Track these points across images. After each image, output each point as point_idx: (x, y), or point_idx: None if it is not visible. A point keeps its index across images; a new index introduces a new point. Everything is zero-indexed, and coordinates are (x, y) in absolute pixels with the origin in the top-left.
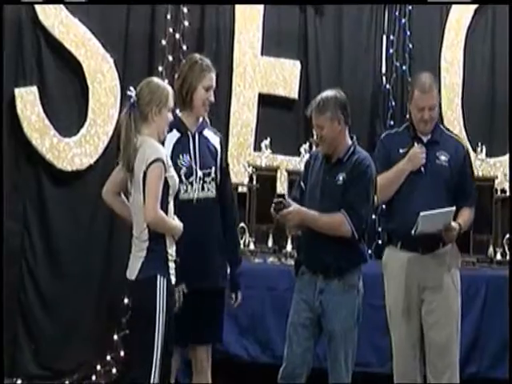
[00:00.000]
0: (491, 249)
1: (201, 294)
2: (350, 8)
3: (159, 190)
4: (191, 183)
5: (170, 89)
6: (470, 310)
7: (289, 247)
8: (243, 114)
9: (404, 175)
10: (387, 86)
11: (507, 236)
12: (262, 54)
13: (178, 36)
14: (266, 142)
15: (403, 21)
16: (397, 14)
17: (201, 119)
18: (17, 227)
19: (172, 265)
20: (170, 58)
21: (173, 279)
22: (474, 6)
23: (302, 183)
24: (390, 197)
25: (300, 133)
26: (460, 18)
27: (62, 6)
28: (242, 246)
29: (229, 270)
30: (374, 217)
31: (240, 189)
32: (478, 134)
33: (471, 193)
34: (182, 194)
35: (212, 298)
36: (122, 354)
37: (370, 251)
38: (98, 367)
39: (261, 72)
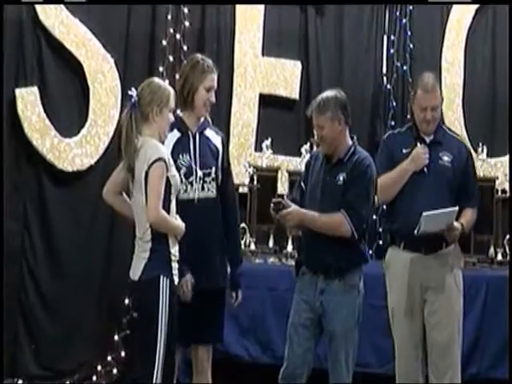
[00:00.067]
0: (492, 249)
1: (201, 294)
2: (350, 8)
3: (161, 189)
4: (191, 183)
5: (171, 89)
6: (471, 310)
7: (289, 248)
8: (244, 115)
9: (407, 175)
10: (388, 86)
11: (508, 236)
12: (262, 54)
13: (178, 36)
14: (267, 142)
15: (404, 21)
16: (397, 14)
17: (202, 119)
18: (17, 227)
19: (175, 265)
20: (171, 58)
21: (176, 279)
22: (475, 6)
23: (302, 183)
24: (393, 197)
25: (301, 133)
26: (461, 18)
27: (62, 6)
28: (242, 246)
29: (229, 270)
30: (374, 217)
31: (241, 189)
32: (478, 134)
33: (474, 193)
34: (182, 193)
35: (213, 298)
36: (122, 354)
37: (370, 251)
38: (99, 367)
39: (262, 72)
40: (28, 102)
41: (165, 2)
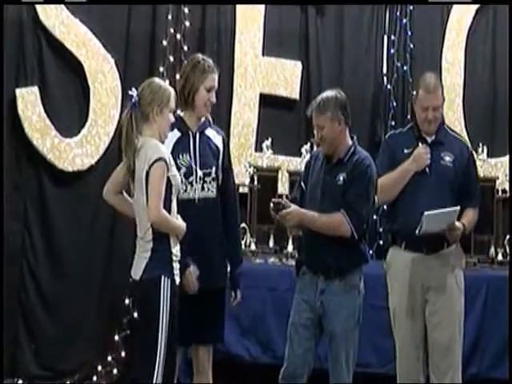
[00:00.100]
0: (492, 249)
1: (202, 293)
2: (351, 8)
3: (162, 189)
4: (191, 183)
5: (171, 89)
6: (471, 310)
7: (290, 248)
8: (244, 115)
9: (409, 175)
10: (388, 87)
11: (508, 236)
12: (263, 54)
13: (179, 36)
14: (267, 142)
15: (404, 21)
16: (398, 14)
17: (203, 119)
18: (18, 227)
19: (176, 265)
20: (171, 58)
21: (177, 279)
22: (475, 6)
23: (302, 183)
24: (395, 197)
25: (301, 133)
26: (461, 19)
27: (62, 6)
28: (243, 246)
29: (229, 269)
30: (375, 217)
31: (241, 189)
32: (479, 134)
33: (475, 193)
34: (182, 193)
35: (213, 298)
36: (123, 354)
37: (371, 251)
38: (99, 368)
39: (262, 72)
40: (28, 101)
41: (165, 2)
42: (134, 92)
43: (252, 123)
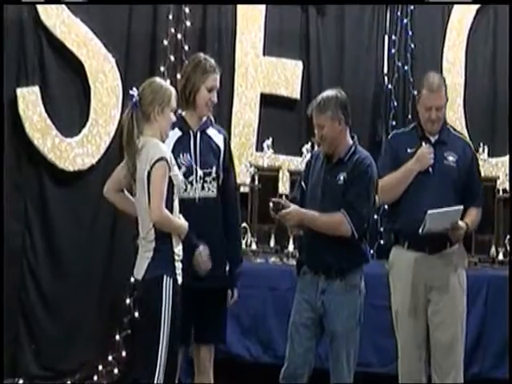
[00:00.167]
0: (493, 249)
1: (203, 293)
2: (351, 8)
3: (164, 189)
4: (191, 182)
5: (172, 89)
6: (472, 309)
7: (291, 247)
8: (245, 114)
9: (412, 175)
10: (389, 86)
11: (509, 236)
12: (263, 54)
13: (179, 36)
14: (268, 142)
15: (405, 21)
16: (399, 14)
17: (205, 118)
18: (18, 227)
19: (178, 265)
20: (172, 58)
21: (179, 279)
22: (476, 6)
23: (302, 183)
24: (398, 197)
25: (302, 133)
26: (462, 19)
27: (63, 5)
28: (244, 246)
29: (228, 268)
30: (375, 217)
31: (242, 189)
32: (479, 134)
33: (479, 193)
34: (182, 193)
35: (214, 298)
36: (123, 354)
37: (371, 251)
38: (100, 367)
39: (263, 72)
40: (29, 101)
41: (166, 1)
42: (134, 92)
43: (253, 123)
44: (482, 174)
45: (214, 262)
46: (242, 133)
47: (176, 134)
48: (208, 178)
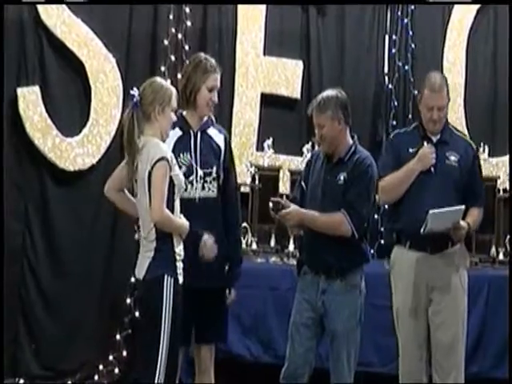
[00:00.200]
0: (494, 248)
1: (203, 293)
2: (352, 8)
3: (165, 188)
4: (191, 182)
5: (173, 89)
6: (473, 309)
7: (291, 247)
8: (246, 114)
9: (414, 175)
10: (389, 86)
11: (509, 236)
12: (264, 54)
13: (180, 36)
14: (269, 141)
15: (405, 21)
16: (399, 13)
17: (206, 118)
18: (18, 227)
19: (179, 264)
20: (173, 58)
21: (180, 279)
22: (476, 6)
23: (302, 183)
24: (400, 196)
25: (302, 133)
26: (462, 18)
27: (64, 5)
28: (244, 245)
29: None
30: (376, 216)
31: (242, 189)
32: (480, 134)
33: (480, 193)
34: (182, 193)
35: (215, 298)
36: (124, 353)
37: (372, 251)
38: (101, 367)
39: (263, 72)
40: (30, 101)
41: (166, 1)
42: (135, 91)
43: (253, 123)
44: (483, 174)
45: (215, 262)
46: (242, 132)
47: (176, 133)
48: (208, 178)
